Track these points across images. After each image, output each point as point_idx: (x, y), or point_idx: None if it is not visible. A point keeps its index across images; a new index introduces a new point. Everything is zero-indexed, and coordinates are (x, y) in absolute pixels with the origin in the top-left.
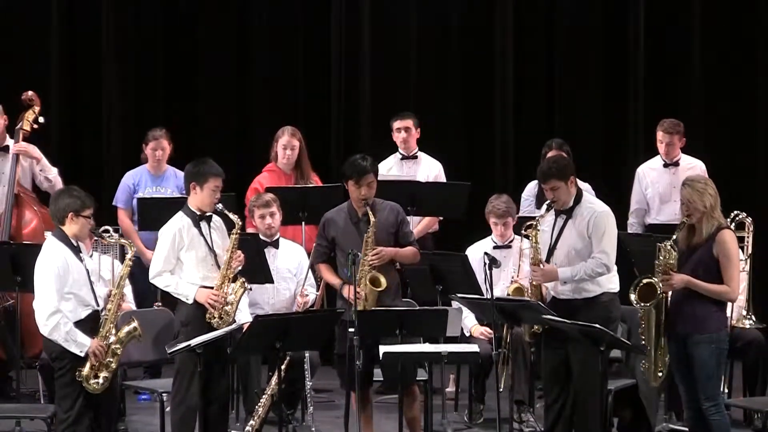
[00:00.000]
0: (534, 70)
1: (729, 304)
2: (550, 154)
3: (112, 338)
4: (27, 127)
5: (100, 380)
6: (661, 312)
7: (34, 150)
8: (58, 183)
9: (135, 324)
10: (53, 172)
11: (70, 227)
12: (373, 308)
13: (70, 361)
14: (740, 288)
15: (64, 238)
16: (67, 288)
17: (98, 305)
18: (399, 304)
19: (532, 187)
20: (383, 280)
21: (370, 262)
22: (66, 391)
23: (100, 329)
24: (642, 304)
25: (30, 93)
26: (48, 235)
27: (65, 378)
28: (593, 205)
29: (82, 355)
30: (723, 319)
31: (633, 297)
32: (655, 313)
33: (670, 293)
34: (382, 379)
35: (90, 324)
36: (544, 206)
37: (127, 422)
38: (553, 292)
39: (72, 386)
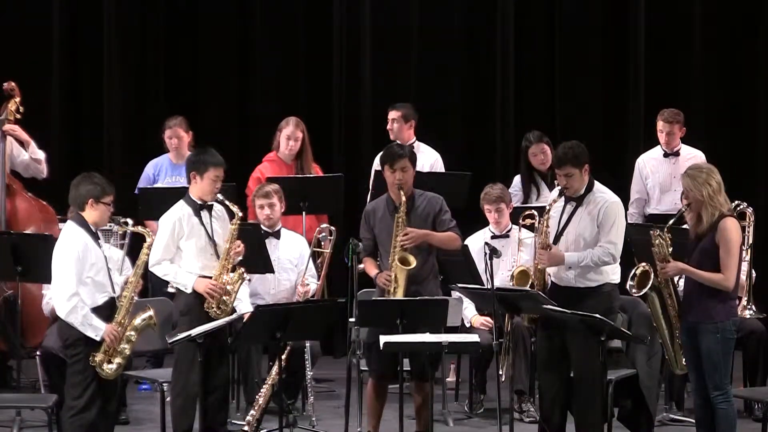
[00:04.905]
0: (534, 61)
1: (742, 294)
2: (532, 149)
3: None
4: (11, 117)
5: (114, 366)
6: (665, 299)
7: (23, 132)
8: (45, 166)
9: (150, 312)
10: (42, 154)
11: (90, 213)
12: (375, 299)
13: (84, 348)
14: (741, 277)
15: (83, 224)
16: (86, 273)
17: (115, 292)
18: (435, 292)
19: (517, 181)
20: (412, 259)
21: (401, 243)
22: (77, 379)
23: (116, 315)
24: (637, 291)
25: (12, 83)
26: (68, 220)
27: (78, 365)
28: (605, 194)
29: (98, 339)
30: (730, 308)
31: (630, 284)
32: (658, 300)
33: (682, 282)
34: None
35: (106, 311)
36: (555, 191)
37: (128, 412)
38: (555, 278)
39: (84, 374)
